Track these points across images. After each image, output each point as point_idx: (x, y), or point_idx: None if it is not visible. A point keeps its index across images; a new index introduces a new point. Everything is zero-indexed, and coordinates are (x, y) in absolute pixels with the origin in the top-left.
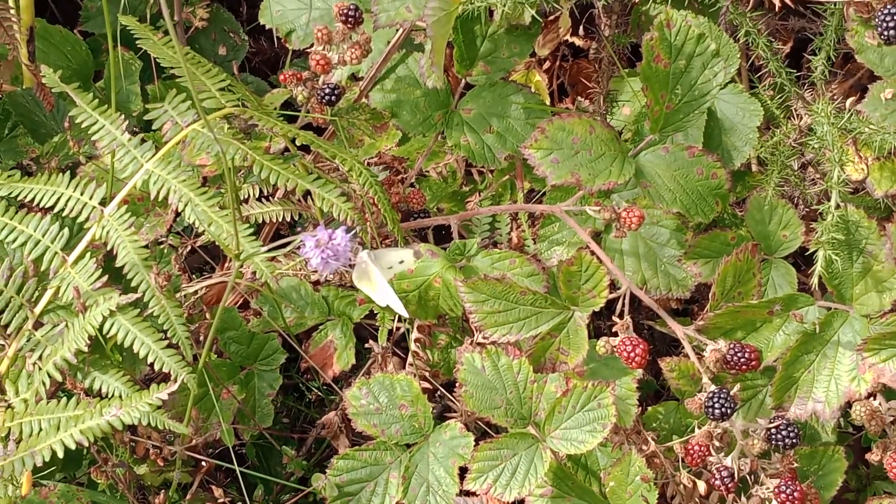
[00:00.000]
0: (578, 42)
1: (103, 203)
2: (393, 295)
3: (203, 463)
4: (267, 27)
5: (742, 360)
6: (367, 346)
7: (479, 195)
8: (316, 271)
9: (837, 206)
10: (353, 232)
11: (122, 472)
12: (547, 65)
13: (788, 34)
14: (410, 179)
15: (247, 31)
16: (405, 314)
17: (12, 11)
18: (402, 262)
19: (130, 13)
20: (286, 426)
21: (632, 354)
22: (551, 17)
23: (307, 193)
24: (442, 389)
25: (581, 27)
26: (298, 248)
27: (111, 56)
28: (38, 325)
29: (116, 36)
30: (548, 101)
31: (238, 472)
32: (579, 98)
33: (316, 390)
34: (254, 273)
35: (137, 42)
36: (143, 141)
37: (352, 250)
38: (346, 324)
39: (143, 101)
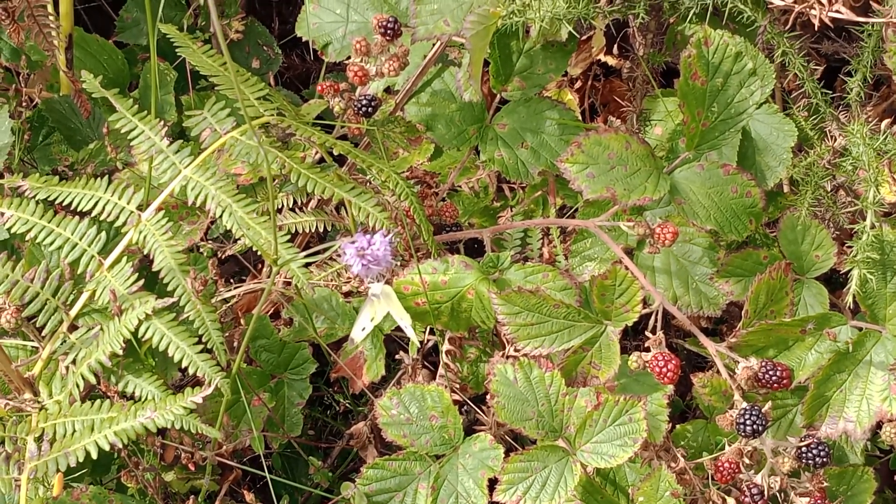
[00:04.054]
0: (611, 61)
1: (140, 208)
2: (364, 333)
3: (230, 471)
4: (302, 40)
5: (773, 378)
6: (396, 357)
7: (511, 210)
8: (348, 282)
9: (872, 226)
10: (391, 236)
11: (151, 476)
12: (578, 84)
13: (821, 59)
14: (443, 193)
15: (279, 45)
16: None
17: (52, 18)
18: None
19: (166, 24)
20: (312, 437)
21: (664, 370)
22: (584, 37)
23: (340, 204)
24: (470, 403)
25: (615, 46)
26: (332, 256)
27: (152, 62)
28: (72, 327)
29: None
30: None
31: (268, 479)
32: (611, 117)
33: (343, 402)
34: (286, 282)
35: (177, 50)
36: (180, 148)
37: (392, 255)
38: (377, 335)
39: (177, 111)
